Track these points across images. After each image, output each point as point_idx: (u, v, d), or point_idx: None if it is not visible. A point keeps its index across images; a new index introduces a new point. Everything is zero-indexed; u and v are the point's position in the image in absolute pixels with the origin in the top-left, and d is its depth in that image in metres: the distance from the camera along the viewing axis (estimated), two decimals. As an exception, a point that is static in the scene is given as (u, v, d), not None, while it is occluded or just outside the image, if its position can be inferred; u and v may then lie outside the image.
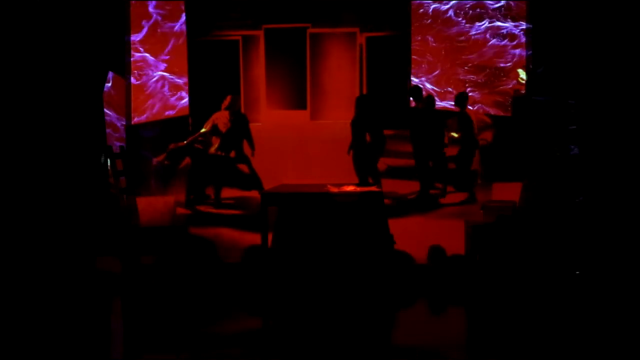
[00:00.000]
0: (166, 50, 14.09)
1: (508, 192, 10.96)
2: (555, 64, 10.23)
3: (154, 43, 13.54)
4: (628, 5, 9.42)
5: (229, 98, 12.11)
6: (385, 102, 15.22)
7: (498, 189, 11.36)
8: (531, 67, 12.72)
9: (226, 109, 11.99)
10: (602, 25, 9.58)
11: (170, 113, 13.95)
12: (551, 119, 10.48)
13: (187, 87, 14.46)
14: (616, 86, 9.54)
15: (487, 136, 12.85)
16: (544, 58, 10.77)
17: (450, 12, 15.05)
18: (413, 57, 15.82)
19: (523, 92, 12.92)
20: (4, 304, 8.36)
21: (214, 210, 11.82)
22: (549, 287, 8.84)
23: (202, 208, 11.92)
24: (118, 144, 11.67)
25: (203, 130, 12.01)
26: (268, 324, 8.45)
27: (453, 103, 12.73)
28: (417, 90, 12.90)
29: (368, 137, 11.89)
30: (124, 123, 12.38)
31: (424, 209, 11.66)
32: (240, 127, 11.97)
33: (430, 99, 12.46)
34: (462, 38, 14.83)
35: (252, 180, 11.85)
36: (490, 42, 14.34)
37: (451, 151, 12.47)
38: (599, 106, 9.68)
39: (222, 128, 11.88)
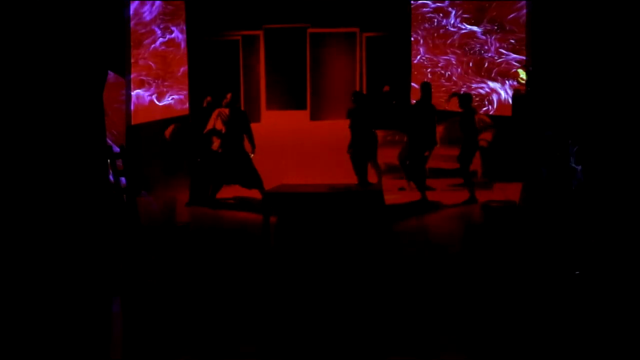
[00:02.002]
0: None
1: (508, 192, 10.98)
2: (555, 63, 10.24)
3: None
4: (626, 5, 9.43)
5: (229, 96, 12.12)
6: (385, 101, 15.25)
7: (498, 189, 11.37)
8: (531, 67, 12.73)
9: (226, 105, 11.99)
10: (602, 24, 9.59)
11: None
12: (551, 119, 10.49)
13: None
14: (615, 85, 9.55)
15: (487, 136, 12.86)
16: (543, 57, 10.78)
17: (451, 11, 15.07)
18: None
19: (523, 92, 12.94)
20: (3, 304, 8.36)
21: (213, 210, 11.83)
22: (549, 287, 8.84)
23: (203, 207, 11.92)
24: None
25: (211, 128, 12.01)
26: (269, 323, 8.44)
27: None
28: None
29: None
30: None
31: (423, 210, 11.68)
32: (240, 124, 11.97)
33: (424, 85, 12.38)
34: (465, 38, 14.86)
35: (253, 178, 11.84)
36: (492, 40, 14.36)
37: (452, 151, 12.50)
38: (599, 106, 9.68)
39: (223, 125, 11.89)
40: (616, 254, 9.07)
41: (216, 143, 12.01)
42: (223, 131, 11.85)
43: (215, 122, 11.92)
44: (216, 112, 12.00)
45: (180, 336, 7.68)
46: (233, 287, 9.25)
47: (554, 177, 10.00)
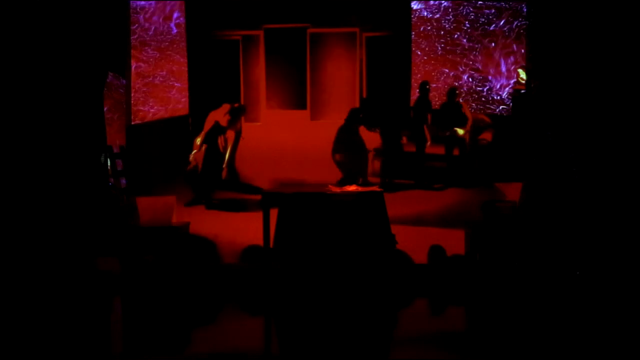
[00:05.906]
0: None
1: (508, 192, 10.95)
2: (554, 64, 10.23)
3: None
4: (626, 5, 9.43)
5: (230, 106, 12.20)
6: (384, 102, 15.25)
7: (498, 189, 11.33)
8: (531, 67, 12.73)
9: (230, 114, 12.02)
10: (602, 24, 9.58)
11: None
12: (551, 118, 10.48)
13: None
14: (615, 86, 9.54)
15: (487, 136, 12.87)
16: (543, 57, 10.77)
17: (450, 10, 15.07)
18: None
19: (523, 92, 12.94)
20: (3, 304, 8.36)
21: (213, 210, 11.82)
22: (549, 287, 8.84)
23: (203, 207, 11.92)
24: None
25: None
26: (269, 324, 8.45)
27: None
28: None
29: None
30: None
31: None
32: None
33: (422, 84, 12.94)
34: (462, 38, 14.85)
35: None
36: (490, 40, 14.36)
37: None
38: (598, 106, 9.68)
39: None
40: (616, 254, 9.07)
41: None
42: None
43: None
44: (210, 115, 12.02)
45: (180, 336, 7.69)
46: (233, 287, 9.26)
47: (554, 177, 9.99)
